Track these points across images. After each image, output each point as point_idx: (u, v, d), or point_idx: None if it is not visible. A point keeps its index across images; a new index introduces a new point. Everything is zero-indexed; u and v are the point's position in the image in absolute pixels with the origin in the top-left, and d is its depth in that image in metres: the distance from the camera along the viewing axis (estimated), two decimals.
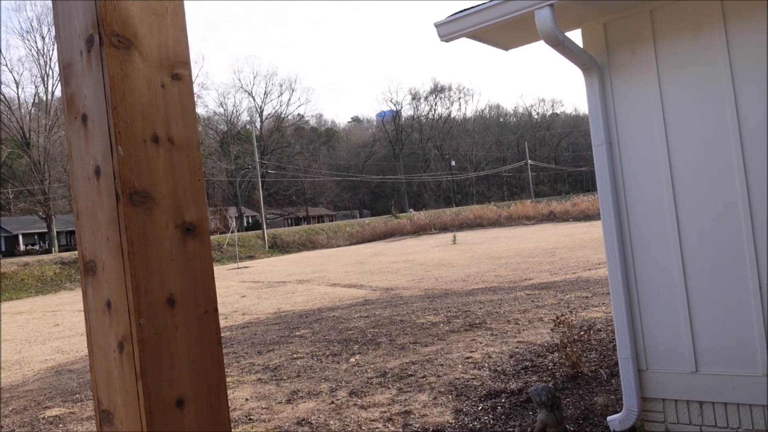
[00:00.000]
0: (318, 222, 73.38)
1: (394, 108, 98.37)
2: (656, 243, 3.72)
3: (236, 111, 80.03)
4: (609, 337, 6.52)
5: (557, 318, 5.82)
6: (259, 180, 52.41)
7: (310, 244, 45.96)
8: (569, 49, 3.52)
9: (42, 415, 6.23)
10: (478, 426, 4.53)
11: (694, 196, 3.58)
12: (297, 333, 9.37)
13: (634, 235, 3.79)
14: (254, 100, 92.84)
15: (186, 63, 1.12)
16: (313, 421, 5.04)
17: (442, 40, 3.70)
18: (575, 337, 5.65)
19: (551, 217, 42.05)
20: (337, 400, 5.57)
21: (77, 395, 6.96)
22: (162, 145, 1.06)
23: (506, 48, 4.22)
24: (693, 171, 3.58)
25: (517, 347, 6.81)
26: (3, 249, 55.46)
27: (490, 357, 6.49)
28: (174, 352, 1.06)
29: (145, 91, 1.05)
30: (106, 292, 1.05)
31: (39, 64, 54.12)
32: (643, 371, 3.79)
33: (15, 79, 66.39)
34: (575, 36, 3.81)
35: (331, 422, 4.98)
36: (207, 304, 1.11)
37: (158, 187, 1.05)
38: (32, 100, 55.54)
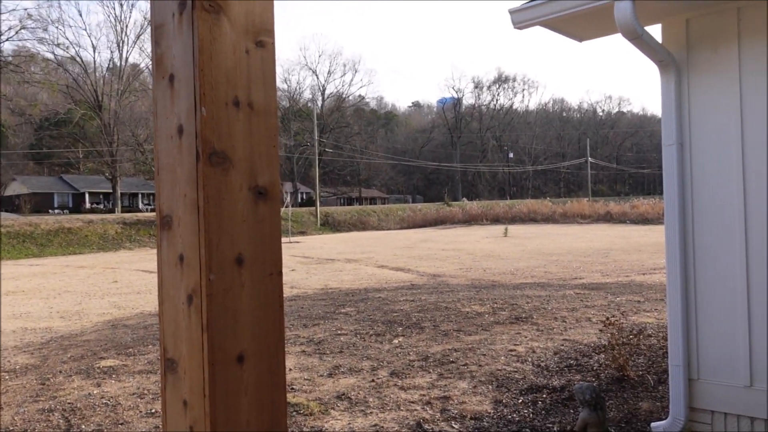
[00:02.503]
0: (370, 203, 73.78)
1: (455, 95, 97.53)
2: (721, 252, 3.59)
3: (299, 88, 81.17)
4: (659, 343, 6.35)
5: (607, 319, 5.69)
6: (317, 158, 53.05)
7: (360, 225, 46.31)
8: (647, 44, 3.41)
9: (97, 365, 6.55)
10: (517, 418, 4.50)
11: (766, 207, 3.43)
12: (342, 310, 9.50)
13: (697, 241, 3.67)
14: (318, 78, 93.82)
15: (270, 31, 1.15)
16: (353, 397, 5.13)
17: (515, 27, 3.64)
18: (624, 340, 5.52)
19: (608, 218, 40.94)
20: (378, 378, 5.64)
21: (131, 349, 7.28)
22: (242, 110, 1.10)
23: (580, 39, 4.12)
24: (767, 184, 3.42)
25: (563, 345, 6.71)
26: (70, 205, 58.19)
27: (534, 352, 6.43)
28: (238, 309, 1.10)
29: (231, 55, 1.08)
30: (179, 246, 1.10)
31: (116, 30, 56.32)
32: (693, 380, 3.68)
33: (92, 44, 69.01)
34: (654, 31, 3.68)
35: (371, 399, 5.05)
36: (273, 267, 1.15)
37: (236, 150, 1.09)
38: (107, 65, 57.69)
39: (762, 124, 3.43)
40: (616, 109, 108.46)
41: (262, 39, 1.13)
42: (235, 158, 1.08)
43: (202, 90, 1.04)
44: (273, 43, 1.15)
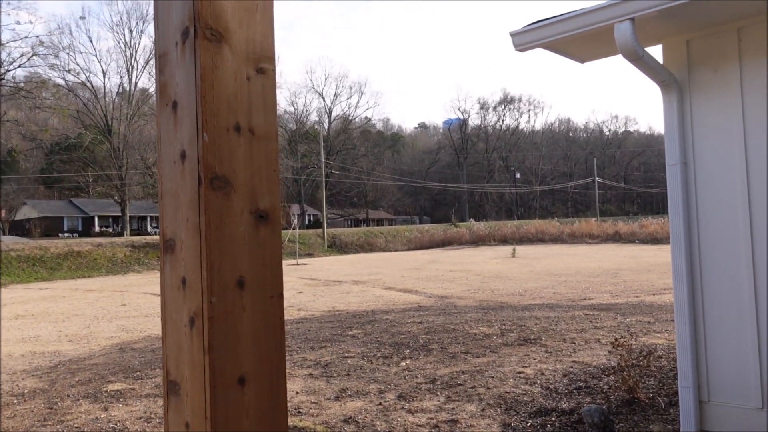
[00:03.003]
0: (377, 225, 73.83)
1: (461, 116, 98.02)
2: (728, 271, 3.56)
3: (306, 111, 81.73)
4: (670, 365, 6.28)
5: (616, 340, 5.64)
6: (323, 180, 53.26)
7: (368, 246, 46.29)
8: (648, 65, 3.43)
9: (105, 389, 6.54)
10: None
11: None
12: (349, 332, 9.46)
13: (704, 261, 3.65)
14: (324, 100, 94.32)
15: (271, 58, 1.18)
16: (360, 421, 5.09)
17: (516, 50, 3.68)
18: (634, 361, 5.46)
19: (616, 238, 40.74)
20: (385, 402, 5.60)
21: (138, 373, 7.27)
22: (243, 135, 1.12)
23: (582, 61, 4.15)
24: None
25: (572, 367, 6.64)
26: (80, 229, 58.57)
27: (542, 374, 6.37)
28: (240, 331, 1.11)
29: (232, 82, 1.11)
30: (182, 269, 1.11)
31: (125, 55, 57.02)
32: (704, 402, 3.64)
33: (102, 69, 70.06)
34: (655, 51, 3.71)
35: (378, 423, 5.01)
36: (274, 289, 1.16)
37: (237, 174, 1.11)
38: (117, 90, 58.46)
39: (764, 142, 3.43)
40: (623, 129, 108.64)
41: (262, 66, 1.16)
42: (236, 182, 1.10)
43: (204, 116, 1.06)
44: (273, 70, 1.18)
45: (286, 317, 11.83)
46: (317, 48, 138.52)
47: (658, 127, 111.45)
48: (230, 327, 1.10)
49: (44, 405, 6.03)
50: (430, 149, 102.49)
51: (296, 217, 46.30)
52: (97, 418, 5.50)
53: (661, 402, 5.10)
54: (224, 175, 1.09)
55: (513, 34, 3.70)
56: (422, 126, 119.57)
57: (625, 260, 24.72)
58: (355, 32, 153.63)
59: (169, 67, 1.14)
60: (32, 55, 47.56)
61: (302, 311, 12.93)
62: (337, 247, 45.58)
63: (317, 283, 20.04)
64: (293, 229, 40.89)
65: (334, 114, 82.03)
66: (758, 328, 3.44)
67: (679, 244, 3.68)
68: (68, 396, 6.33)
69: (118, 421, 5.35)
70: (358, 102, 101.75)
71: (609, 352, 6.56)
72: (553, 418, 4.94)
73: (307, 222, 70.15)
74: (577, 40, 3.56)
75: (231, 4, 1.12)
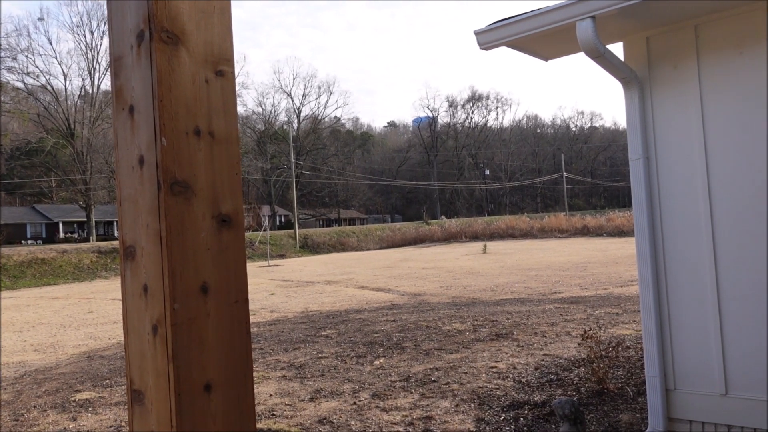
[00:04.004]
0: (349, 224, 73.72)
1: (430, 114, 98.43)
2: (690, 263, 3.65)
3: (274, 111, 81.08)
4: (638, 355, 6.41)
5: (585, 332, 5.74)
6: (294, 180, 52.94)
7: (340, 246, 46.19)
8: (610, 62, 3.49)
9: (73, 398, 6.41)
10: None
11: (732, 218, 3.51)
12: (323, 333, 9.43)
13: (668, 253, 3.73)
14: (293, 101, 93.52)
15: (230, 60, 1.17)
16: (335, 421, 5.08)
17: (481, 48, 3.70)
18: (603, 352, 5.57)
19: (585, 231, 41.42)
20: (360, 401, 5.60)
21: (107, 380, 7.13)
22: (203, 139, 1.11)
23: (546, 58, 4.20)
24: (732, 192, 3.51)
25: (543, 360, 6.73)
26: (44, 236, 57.18)
27: (514, 368, 6.44)
28: (204, 338, 1.10)
29: (190, 85, 1.09)
30: (143, 276, 1.09)
31: (87, 57, 55.77)
32: (670, 391, 3.72)
33: (63, 72, 68.49)
34: (616, 49, 3.78)
35: (353, 423, 5.01)
36: (238, 294, 1.15)
37: (198, 179, 1.09)
38: (79, 93, 57.15)
39: (724, 136, 3.53)
40: (589, 124, 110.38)
41: (221, 68, 1.15)
42: (197, 187, 1.09)
43: (162, 120, 1.04)
44: (233, 72, 1.16)
45: (259, 319, 11.73)
46: (284, 48, 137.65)
47: (623, 122, 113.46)
48: (194, 333, 1.08)
49: (9, 417, 5.88)
50: (400, 148, 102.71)
51: (267, 218, 45.92)
52: (65, 428, 5.38)
53: (629, 392, 5.21)
54: (184, 180, 1.07)
55: (477, 33, 3.72)
56: (392, 125, 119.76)
57: (593, 253, 25.15)
58: (323, 31, 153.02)
59: (124, 71, 1.11)
60: None
61: (275, 313, 12.84)
62: (309, 247, 45.38)
63: (290, 284, 19.93)
64: (264, 230, 40.55)
65: (303, 114, 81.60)
66: (720, 317, 3.53)
67: (644, 236, 3.76)
68: (35, 407, 6.18)
69: (88, 431, 5.24)
70: (326, 102, 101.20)
71: (579, 344, 6.67)
72: (526, 411, 5.00)
73: (278, 223, 69.66)
74: (540, 38, 3.60)
75: (187, 6, 1.10)
